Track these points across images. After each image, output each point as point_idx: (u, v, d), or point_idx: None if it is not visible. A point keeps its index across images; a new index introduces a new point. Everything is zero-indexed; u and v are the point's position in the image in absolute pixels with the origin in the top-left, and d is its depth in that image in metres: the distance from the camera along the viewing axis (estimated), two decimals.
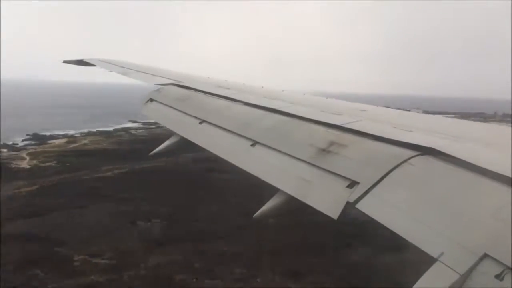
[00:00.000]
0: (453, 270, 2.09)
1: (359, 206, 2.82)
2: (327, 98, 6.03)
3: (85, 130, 67.98)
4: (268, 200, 3.74)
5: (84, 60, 10.62)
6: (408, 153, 3.02)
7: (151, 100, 6.80)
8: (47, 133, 62.67)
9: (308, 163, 3.53)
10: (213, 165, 33.22)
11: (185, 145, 5.58)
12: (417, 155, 2.97)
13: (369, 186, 2.89)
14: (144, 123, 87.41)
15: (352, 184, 3.03)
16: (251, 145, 4.23)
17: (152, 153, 6.08)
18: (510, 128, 3.81)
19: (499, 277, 1.93)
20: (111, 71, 9.62)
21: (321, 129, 3.95)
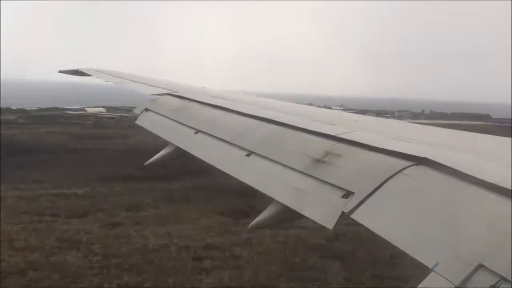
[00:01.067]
0: (448, 280, 2.09)
1: (354, 216, 2.82)
2: (318, 106, 6.07)
3: None
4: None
5: (79, 70, 10.63)
6: (403, 163, 3.02)
7: (146, 110, 6.82)
8: None
9: (303, 173, 3.53)
10: None
11: (180, 155, 5.58)
12: (412, 165, 2.97)
13: (364, 196, 2.89)
14: None
15: (347, 194, 3.03)
16: (246, 155, 4.23)
17: (147, 163, 6.07)
18: (506, 138, 3.83)
19: (494, 287, 1.92)
20: (106, 81, 9.63)
21: (316, 139, 3.96)
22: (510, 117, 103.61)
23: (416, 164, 2.98)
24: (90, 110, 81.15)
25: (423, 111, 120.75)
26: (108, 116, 75.06)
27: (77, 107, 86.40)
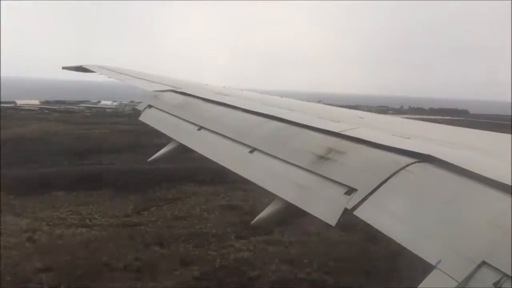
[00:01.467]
0: (451, 277, 2.09)
1: (357, 212, 2.82)
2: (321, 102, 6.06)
3: None
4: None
5: (83, 66, 10.63)
6: (406, 160, 3.02)
7: (150, 106, 6.82)
8: None
9: (306, 170, 3.53)
10: None
11: (183, 151, 5.58)
12: (415, 162, 2.97)
13: (367, 193, 2.89)
14: None
15: (350, 191, 3.03)
16: (249, 151, 4.23)
17: (150, 159, 6.07)
18: (509, 135, 3.82)
19: (497, 284, 1.92)
20: (109, 78, 9.65)
21: (319, 136, 3.95)
22: (487, 114, 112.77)
23: (420, 161, 2.97)
24: (20, 102, 79.57)
25: (401, 106, 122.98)
26: (31, 108, 73.87)
27: (9, 100, 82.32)
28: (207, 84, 8.53)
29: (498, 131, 4.20)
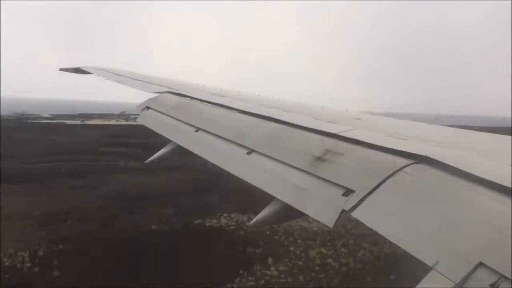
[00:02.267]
0: (448, 278, 2.09)
1: (354, 214, 2.83)
2: (322, 107, 6.06)
3: None
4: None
5: (81, 68, 10.60)
6: (403, 161, 3.03)
7: (147, 108, 6.81)
8: None
9: (304, 171, 3.53)
10: None
11: (181, 153, 5.57)
12: (412, 163, 2.97)
13: (364, 194, 2.89)
14: None
15: (348, 192, 3.04)
16: (247, 153, 4.23)
17: (147, 161, 6.06)
18: (507, 137, 3.83)
19: (494, 285, 1.93)
20: (107, 79, 9.61)
21: (317, 137, 3.96)
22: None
23: (417, 162, 2.98)
24: None
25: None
26: None
27: None
28: (204, 85, 8.51)
29: None
